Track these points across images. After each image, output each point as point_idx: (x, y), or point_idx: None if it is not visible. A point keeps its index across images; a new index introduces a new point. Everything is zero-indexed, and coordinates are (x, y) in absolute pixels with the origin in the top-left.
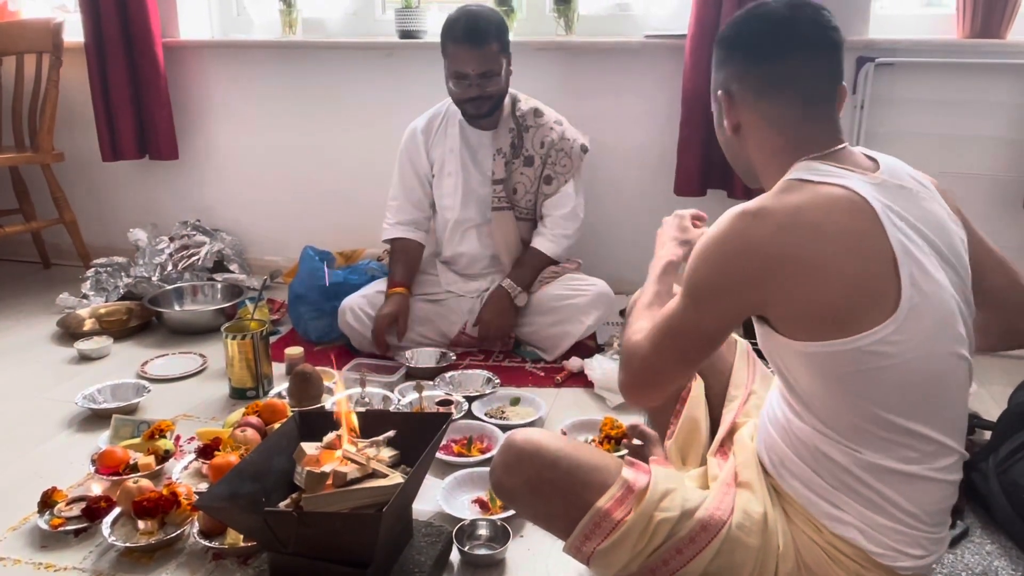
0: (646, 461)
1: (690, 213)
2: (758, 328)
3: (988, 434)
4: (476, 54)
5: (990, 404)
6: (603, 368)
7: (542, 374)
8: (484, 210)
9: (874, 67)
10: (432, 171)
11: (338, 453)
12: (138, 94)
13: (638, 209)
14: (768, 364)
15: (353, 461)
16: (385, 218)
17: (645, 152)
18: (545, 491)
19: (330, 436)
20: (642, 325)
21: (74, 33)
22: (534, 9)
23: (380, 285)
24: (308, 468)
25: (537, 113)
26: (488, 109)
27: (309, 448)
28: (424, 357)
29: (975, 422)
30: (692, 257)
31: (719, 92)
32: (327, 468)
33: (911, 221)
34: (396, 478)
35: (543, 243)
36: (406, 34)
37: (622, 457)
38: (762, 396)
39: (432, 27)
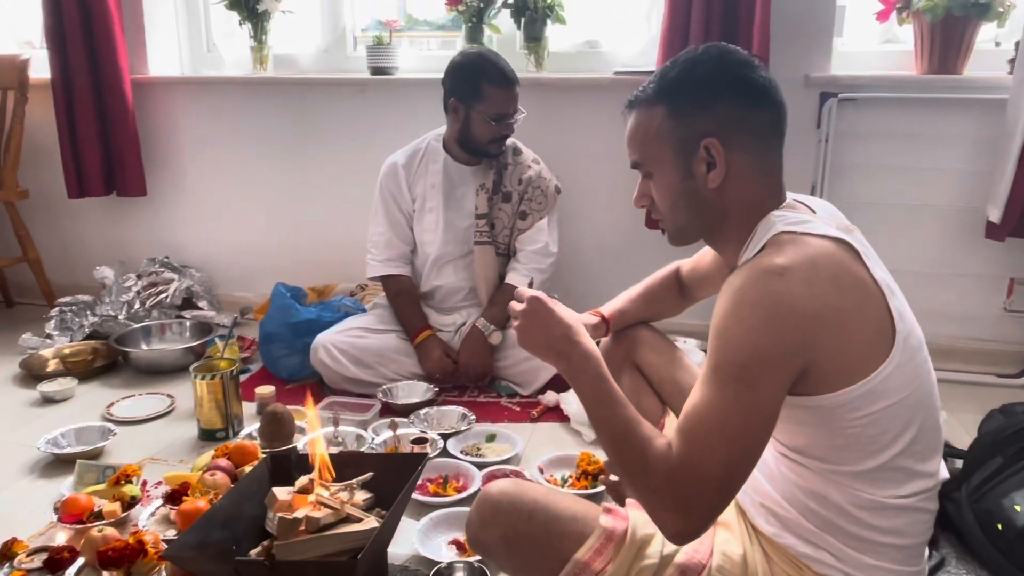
0: (623, 497)
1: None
2: None
3: (960, 463)
4: (513, 94)
5: (960, 432)
6: (579, 402)
7: (518, 409)
8: (464, 244)
9: (837, 102)
10: (414, 206)
11: (311, 498)
12: (105, 131)
13: (610, 242)
14: None
15: (326, 506)
16: (370, 254)
17: (616, 185)
18: (522, 545)
19: (303, 480)
20: (659, 447)
21: (41, 69)
22: (505, 46)
23: (353, 321)
24: (280, 514)
25: (516, 151)
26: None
27: (281, 493)
28: (407, 391)
29: (946, 451)
30: (720, 337)
31: (707, 140)
32: (300, 513)
33: (872, 256)
34: (371, 522)
35: (516, 279)
36: (378, 70)
37: (599, 493)
38: None
39: (403, 63)
